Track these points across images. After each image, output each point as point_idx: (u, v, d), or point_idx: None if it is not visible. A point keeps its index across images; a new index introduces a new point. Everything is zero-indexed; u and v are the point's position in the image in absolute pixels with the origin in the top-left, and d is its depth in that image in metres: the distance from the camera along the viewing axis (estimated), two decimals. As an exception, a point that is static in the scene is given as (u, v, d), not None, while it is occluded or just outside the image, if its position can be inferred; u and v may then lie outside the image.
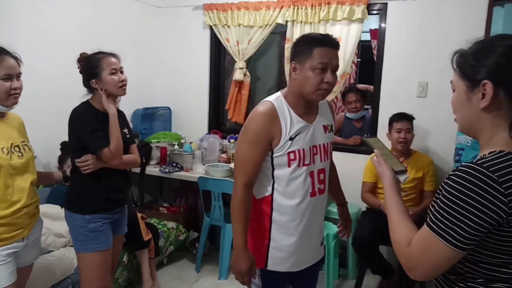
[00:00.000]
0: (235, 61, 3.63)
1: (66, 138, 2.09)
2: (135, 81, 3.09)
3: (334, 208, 2.12)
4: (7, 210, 1.65)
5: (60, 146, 2.80)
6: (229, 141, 3.58)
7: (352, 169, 2.98)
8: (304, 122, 1.57)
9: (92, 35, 3.16)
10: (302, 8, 3.25)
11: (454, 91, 1.01)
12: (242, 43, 3.56)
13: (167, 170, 3.30)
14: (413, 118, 2.88)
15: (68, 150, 2.36)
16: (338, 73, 1.92)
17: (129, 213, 2.26)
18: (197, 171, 3.29)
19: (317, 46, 1.47)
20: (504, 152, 0.90)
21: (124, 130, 2.09)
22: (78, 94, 2.01)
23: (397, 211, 1.04)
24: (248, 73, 3.65)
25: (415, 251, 0.93)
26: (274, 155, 1.54)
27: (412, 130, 2.85)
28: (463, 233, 0.86)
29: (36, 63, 2.56)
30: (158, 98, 3.96)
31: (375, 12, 3.18)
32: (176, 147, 3.56)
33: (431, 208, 0.93)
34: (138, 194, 3.34)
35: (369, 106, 3.51)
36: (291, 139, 1.53)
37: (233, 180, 1.60)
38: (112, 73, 1.95)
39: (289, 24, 3.34)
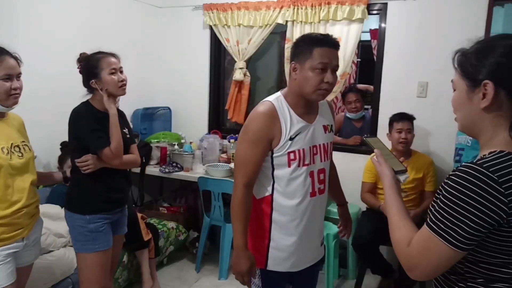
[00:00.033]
0: (235, 61, 3.63)
1: (66, 138, 2.09)
2: (135, 81, 3.10)
3: (334, 208, 2.12)
4: (7, 210, 1.66)
5: (60, 146, 2.80)
6: (229, 141, 3.58)
7: (352, 169, 2.98)
8: (304, 122, 1.57)
9: (92, 35, 3.16)
10: (302, 8, 3.25)
11: (454, 90, 1.00)
12: (242, 43, 3.56)
13: (167, 170, 3.30)
14: (414, 118, 2.87)
15: (68, 150, 2.36)
16: (338, 73, 1.92)
17: (129, 213, 2.26)
18: (197, 171, 3.29)
19: (317, 46, 1.47)
20: (505, 152, 0.90)
21: (124, 130, 2.09)
22: (78, 94, 2.01)
23: (397, 211, 1.04)
24: (248, 73, 3.65)
25: (415, 251, 0.93)
26: (274, 155, 1.54)
27: (412, 130, 2.85)
28: (463, 233, 0.86)
29: (36, 63, 2.56)
30: (158, 98, 3.96)
31: (375, 12, 3.18)
32: (176, 147, 3.56)
33: (431, 208, 0.93)
34: (138, 194, 3.34)
35: (369, 106, 3.50)
36: (291, 139, 1.53)
37: (233, 180, 1.60)
38: (112, 73, 1.95)
39: (289, 24, 3.34)
